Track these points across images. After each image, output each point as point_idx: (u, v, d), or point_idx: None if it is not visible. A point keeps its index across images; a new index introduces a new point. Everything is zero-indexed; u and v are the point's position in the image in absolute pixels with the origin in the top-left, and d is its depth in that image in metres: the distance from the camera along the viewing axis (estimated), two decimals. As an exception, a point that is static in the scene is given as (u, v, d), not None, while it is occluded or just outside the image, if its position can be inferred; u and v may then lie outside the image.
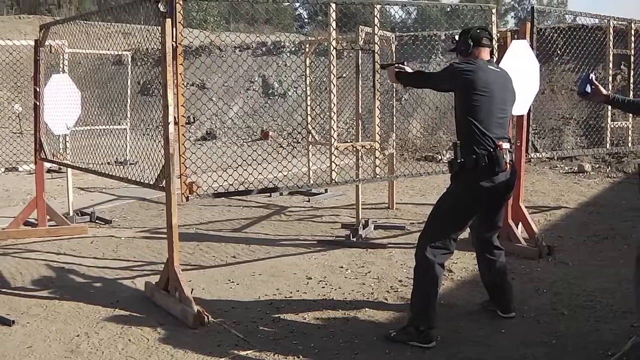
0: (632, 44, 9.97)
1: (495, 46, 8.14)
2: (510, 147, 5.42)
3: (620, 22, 10.28)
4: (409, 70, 6.08)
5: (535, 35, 8.38)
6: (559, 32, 16.43)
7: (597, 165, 14.54)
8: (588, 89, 5.16)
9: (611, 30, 9.67)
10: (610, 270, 7.13)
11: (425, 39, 19.43)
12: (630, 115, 9.97)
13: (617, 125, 10.23)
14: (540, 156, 11.00)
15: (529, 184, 12.67)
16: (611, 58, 9.68)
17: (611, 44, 9.66)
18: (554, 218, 9.88)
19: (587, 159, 14.64)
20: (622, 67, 10.27)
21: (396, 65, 6.19)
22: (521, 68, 7.77)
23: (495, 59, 6.09)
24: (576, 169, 14.38)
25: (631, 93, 9.87)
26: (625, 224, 9.21)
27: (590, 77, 5.01)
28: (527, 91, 7.94)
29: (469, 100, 5.29)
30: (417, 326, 5.19)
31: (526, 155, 8.36)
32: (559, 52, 15.87)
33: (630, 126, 10.06)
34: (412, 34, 21.45)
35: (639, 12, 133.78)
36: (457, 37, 5.72)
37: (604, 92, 4.86)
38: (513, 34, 8.70)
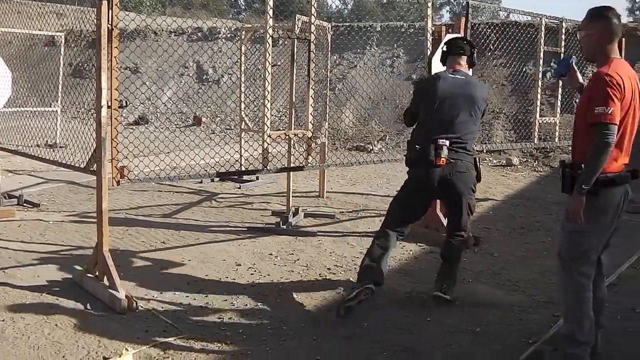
0: (563, 42, 10.15)
1: (430, 39, 8.22)
2: (452, 145, 5.81)
3: (551, 20, 10.47)
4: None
5: (470, 30, 8.49)
6: (492, 27, 16.65)
7: (525, 159, 14.80)
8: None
9: (543, 28, 9.84)
10: (534, 262, 7.30)
11: (360, 29, 19.55)
12: (558, 111, 10.20)
13: (545, 121, 10.45)
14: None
15: (458, 176, 12.85)
16: (542, 55, 9.86)
17: (542, 41, 9.82)
18: (482, 210, 10.03)
19: (515, 152, 14.90)
20: (552, 64, 10.46)
21: None
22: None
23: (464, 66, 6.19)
24: (504, 162, 14.62)
25: (559, 89, 10.08)
26: (550, 217, 9.43)
27: (571, 61, 5.07)
28: (459, 84, 8.02)
29: (419, 106, 6.09)
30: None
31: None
32: (491, 47, 16.09)
33: (557, 122, 10.27)
34: (348, 24, 21.52)
35: (573, 11, 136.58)
36: (444, 48, 6.36)
37: (580, 80, 4.96)
38: (448, 28, 8.80)
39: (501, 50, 15.59)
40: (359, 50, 19.57)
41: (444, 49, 6.33)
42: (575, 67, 5.03)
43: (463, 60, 6.19)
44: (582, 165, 4.33)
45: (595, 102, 4.26)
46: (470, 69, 6.49)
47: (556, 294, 5.82)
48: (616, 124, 4.21)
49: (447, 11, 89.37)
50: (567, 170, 4.49)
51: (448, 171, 5.80)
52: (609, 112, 4.19)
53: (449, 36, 7.89)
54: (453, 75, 6.04)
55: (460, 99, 5.89)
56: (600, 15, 4.45)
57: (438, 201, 8.12)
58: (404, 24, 19.38)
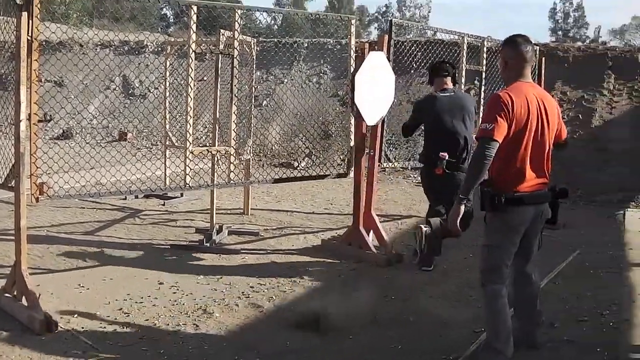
0: (484, 61, 10.33)
1: (353, 56, 8.27)
2: (452, 155, 7.19)
3: (474, 39, 10.65)
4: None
5: (393, 48, 8.56)
6: (418, 45, 16.85)
7: (449, 175, 14.98)
8: None
9: (465, 47, 10.00)
10: (456, 278, 7.37)
11: (288, 45, 19.53)
12: (477, 128, 10.34)
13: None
14: (394, 165, 11.19)
15: (382, 193, 12.93)
16: (464, 73, 10.00)
17: (464, 59, 9.98)
18: (405, 227, 10.11)
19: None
20: (475, 82, 10.65)
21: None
22: (377, 79, 7.94)
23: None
24: (428, 179, 14.76)
25: (481, 107, 10.22)
26: (473, 233, 9.50)
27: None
28: (383, 102, 8.09)
29: (419, 122, 7.79)
30: None
31: (379, 165, 8.52)
32: (415, 65, 16.25)
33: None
34: (275, 40, 21.51)
35: (500, 32, 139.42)
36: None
37: None
38: (371, 45, 8.84)
39: (426, 68, 15.83)
40: (286, 66, 19.58)
41: (430, 71, 7.80)
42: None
43: (449, 80, 7.64)
44: (494, 183, 4.69)
45: (483, 120, 4.71)
46: (455, 85, 7.95)
47: (477, 310, 5.88)
48: (496, 140, 4.49)
49: (375, 28, 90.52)
50: (485, 188, 4.72)
51: (448, 179, 7.20)
52: (490, 128, 4.50)
53: (373, 54, 7.94)
54: (443, 94, 7.51)
55: (455, 110, 7.39)
56: (511, 43, 4.87)
57: (362, 218, 8.16)
58: (331, 41, 19.47)
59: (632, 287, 7.22)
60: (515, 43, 4.84)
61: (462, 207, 4.67)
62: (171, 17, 71.70)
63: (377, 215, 8.52)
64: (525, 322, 5.23)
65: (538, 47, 11.90)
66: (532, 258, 5.10)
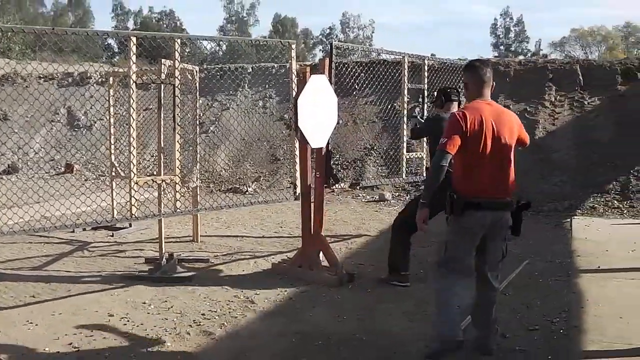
0: (426, 79, 10.46)
1: (295, 80, 8.32)
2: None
3: (415, 58, 10.79)
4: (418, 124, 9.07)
5: (334, 70, 8.62)
6: (361, 66, 16.99)
7: (397, 193, 15.10)
8: None
9: (406, 66, 10.11)
10: (408, 295, 7.42)
11: (232, 71, 19.58)
12: (425, 146, 10.46)
13: (412, 156, 10.70)
14: (343, 186, 11.28)
15: (332, 213, 12.97)
16: (406, 92, 10.11)
17: (406, 78, 10.09)
18: (355, 246, 10.15)
19: (388, 187, 15.16)
20: (419, 100, 10.77)
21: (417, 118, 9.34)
22: (320, 102, 8.00)
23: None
24: (377, 197, 14.88)
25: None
26: (422, 249, 9.58)
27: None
28: (326, 124, 8.15)
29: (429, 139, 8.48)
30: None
31: (325, 186, 8.56)
32: (357, 86, 16.43)
33: (424, 156, 10.52)
34: (219, 66, 21.52)
35: (444, 50, 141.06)
36: (435, 94, 8.24)
37: None
38: (312, 69, 8.92)
39: (370, 88, 15.96)
40: (231, 92, 19.58)
41: (443, 95, 8.13)
42: None
43: (455, 104, 8.07)
44: (456, 190, 5.36)
45: (443, 135, 5.34)
46: None
47: (431, 327, 5.97)
48: (449, 152, 5.23)
49: (320, 50, 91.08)
50: (449, 193, 5.39)
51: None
52: (444, 142, 5.25)
53: (314, 77, 8.00)
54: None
55: None
56: (470, 67, 5.60)
57: (311, 239, 8.19)
58: (275, 65, 19.55)
59: (581, 293, 7.38)
60: (474, 67, 5.55)
61: (426, 210, 5.35)
62: (116, 46, 71.38)
63: (327, 235, 8.56)
64: (481, 328, 5.63)
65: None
66: (494, 265, 5.56)
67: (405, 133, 10.25)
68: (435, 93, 8.42)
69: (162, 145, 8.25)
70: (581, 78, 16.74)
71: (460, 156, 5.33)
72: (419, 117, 9.36)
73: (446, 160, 5.23)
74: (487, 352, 5.52)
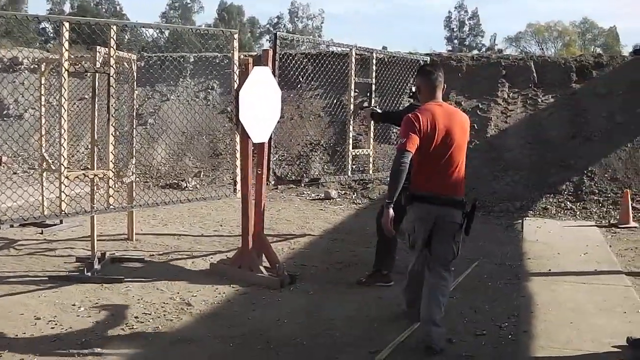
0: (374, 73, 10.51)
1: (237, 72, 8.30)
2: None
3: (363, 51, 10.83)
4: (379, 111, 9.23)
5: (278, 62, 8.63)
6: (308, 58, 17.00)
7: (344, 191, 15.15)
8: None
9: (353, 59, 10.14)
10: (351, 298, 7.44)
11: (173, 60, 19.44)
12: (372, 142, 10.52)
13: (359, 153, 10.75)
14: (276, 184, 11.23)
15: (275, 211, 12.99)
16: (353, 87, 10.13)
17: (353, 72, 10.12)
18: (298, 246, 10.17)
19: (334, 185, 15.21)
20: (367, 94, 10.83)
21: (371, 107, 9.48)
22: (262, 95, 7.99)
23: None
24: (323, 195, 14.91)
25: (371, 122, 10.37)
26: (368, 250, 9.62)
27: None
28: (269, 118, 8.15)
29: None
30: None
31: (267, 183, 8.56)
32: (302, 78, 16.44)
33: (371, 153, 10.58)
34: (160, 55, 21.35)
35: (396, 42, 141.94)
36: (414, 88, 7.66)
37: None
38: (255, 60, 8.91)
39: (317, 81, 16.01)
40: (172, 82, 19.45)
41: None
42: None
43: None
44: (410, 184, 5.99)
45: (400, 136, 5.91)
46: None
47: (375, 329, 6.17)
48: (408, 151, 5.73)
49: (267, 40, 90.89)
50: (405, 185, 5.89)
51: None
52: (403, 141, 5.77)
53: (257, 69, 8.00)
54: None
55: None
56: (422, 72, 6.28)
57: (252, 239, 8.19)
58: (219, 55, 19.46)
59: (531, 297, 7.51)
60: (425, 72, 6.21)
61: (390, 211, 5.83)
62: (51, 31, 70.17)
63: (269, 235, 8.57)
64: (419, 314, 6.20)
65: (429, 58, 12.23)
66: (444, 262, 6.06)
67: (351, 129, 10.30)
68: (414, 88, 8.56)
69: (96, 138, 8.17)
70: (535, 75, 17.00)
71: (415, 155, 5.83)
72: (377, 109, 9.48)
73: (407, 159, 5.71)
74: (428, 347, 5.85)
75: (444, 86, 6.20)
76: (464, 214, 6.00)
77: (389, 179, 5.90)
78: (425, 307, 5.95)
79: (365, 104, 10.02)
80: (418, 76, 6.32)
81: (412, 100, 8.53)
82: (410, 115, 5.91)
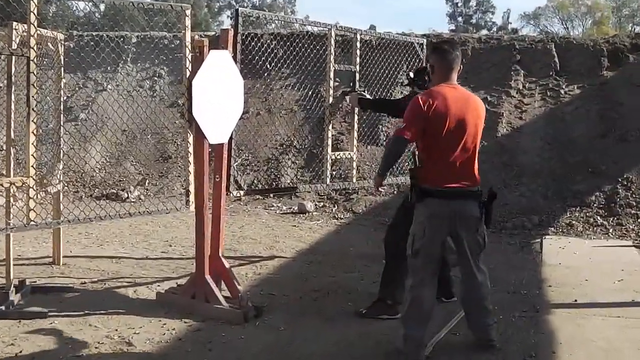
0: (358, 58, 10.51)
1: (189, 56, 8.29)
2: None
3: (345, 32, 10.84)
4: (368, 97, 9.83)
5: (241, 45, 8.63)
6: (279, 40, 17.01)
7: (322, 203, 15.16)
8: None
9: (333, 42, 10.12)
10: (331, 333, 7.47)
11: (113, 41, 19.40)
12: (356, 144, 10.54)
13: (340, 156, 10.75)
14: (238, 194, 11.17)
15: (237, 228, 13.00)
16: (332, 75, 10.11)
17: (332, 58, 10.12)
18: (266, 271, 10.16)
19: (310, 196, 15.19)
20: (351, 84, 10.81)
21: (358, 92, 9.92)
22: (221, 85, 8.00)
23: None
24: (296, 208, 14.94)
25: (356, 117, 10.39)
26: (351, 276, 9.67)
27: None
28: (229, 114, 8.15)
29: None
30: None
31: (227, 193, 8.56)
32: (271, 65, 16.41)
33: (354, 157, 10.57)
34: (94, 34, 21.29)
35: (387, 21, 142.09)
36: (411, 74, 8.68)
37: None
38: (212, 42, 8.89)
39: (289, 68, 16.01)
40: (109, 69, 19.41)
41: (427, 78, 7.97)
42: None
43: None
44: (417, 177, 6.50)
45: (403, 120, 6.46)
46: None
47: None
48: (405, 138, 6.28)
49: (228, 17, 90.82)
50: (412, 180, 6.52)
51: None
52: (402, 127, 6.32)
53: (214, 53, 7.99)
54: None
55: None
56: (438, 49, 6.67)
57: (207, 261, 8.18)
58: (168, 35, 19.43)
59: (551, 333, 7.55)
60: (442, 50, 6.60)
61: (380, 178, 6.73)
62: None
63: (230, 257, 8.56)
64: (476, 326, 6.96)
65: (426, 40, 12.26)
66: (475, 255, 6.67)
67: (330, 127, 10.31)
68: (413, 73, 8.84)
69: (13, 137, 8.12)
70: (557, 60, 17.07)
71: (421, 143, 6.44)
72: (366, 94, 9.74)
73: (402, 147, 6.37)
74: (489, 341, 6.88)
75: (460, 67, 6.63)
76: (481, 204, 6.55)
77: (382, 159, 6.79)
78: (477, 316, 6.92)
79: (350, 89, 10.04)
80: (432, 54, 6.73)
81: (411, 88, 8.80)
82: (420, 96, 6.39)
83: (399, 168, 10.55)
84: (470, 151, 6.51)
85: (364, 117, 10.69)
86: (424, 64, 9.93)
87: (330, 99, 10.25)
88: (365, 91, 10.28)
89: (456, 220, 6.45)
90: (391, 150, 6.50)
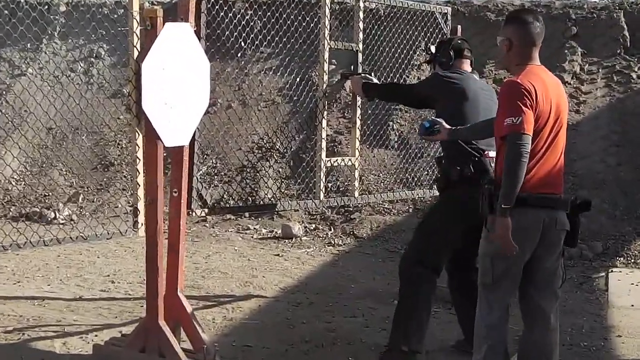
0: (360, 34, 10.51)
1: (138, 32, 8.35)
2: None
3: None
4: (376, 81, 9.74)
5: (206, 16, 8.69)
6: (256, 8, 17.06)
7: (313, 225, 15.17)
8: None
9: (327, 11, 10.02)
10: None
11: (34, 10, 19.49)
12: (358, 146, 10.59)
13: (337, 163, 10.77)
14: (203, 213, 11.13)
15: (201, 257, 13.01)
16: (327, 56, 10.13)
17: (327, 32, 10.13)
18: (240, 315, 10.17)
19: (297, 215, 15.20)
20: (352, 67, 10.78)
21: (362, 75, 9.77)
22: (180, 69, 8.02)
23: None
24: (279, 232, 14.98)
25: (358, 110, 10.41)
26: (353, 321, 9.69)
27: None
28: (190, 107, 8.18)
29: (457, 108, 8.11)
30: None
31: (188, 213, 8.61)
32: (243, 43, 16.46)
33: (357, 163, 10.58)
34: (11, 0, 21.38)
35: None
36: (432, 48, 8.86)
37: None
38: (168, 12, 8.95)
39: (271, 47, 16.06)
40: (29, 46, 19.47)
41: (452, 52, 8.57)
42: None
43: (468, 62, 8.74)
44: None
45: (504, 113, 6.27)
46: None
47: None
48: (526, 134, 6.12)
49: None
50: (486, 186, 6.47)
51: None
52: (518, 121, 6.12)
53: (170, 26, 8.04)
54: (476, 77, 8.90)
55: (493, 105, 7.82)
56: (515, 19, 6.68)
57: (161, 303, 8.22)
58: (108, 3, 19.48)
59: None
60: (521, 20, 6.59)
61: (509, 219, 6.14)
62: None
63: (192, 297, 8.59)
64: None
65: (451, 8, 12.33)
66: (551, 291, 6.68)
67: (324, 123, 10.36)
68: (434, 47, 8.96)
69: None
70: (627, 35, 17.08)
71: None
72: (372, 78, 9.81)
73: (528, 146, 6.14)
74: None
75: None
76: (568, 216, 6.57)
77: (503, 177, 6.20)
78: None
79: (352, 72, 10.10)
80: (509, 26, 6.65)
81: (431, 68, 9.11)
82: (519, 81, 6.29)
83: (415, 179, 10.63)
84: (562, 149, 6.61)
85: (369, 111, 10.66)
86: (448, 37, 9.99)
87: (325, 87, 10.26)
88: (372, 75, 10.17)
89: (541, 235, 6.44)
90: (519, 155, 6.11)
